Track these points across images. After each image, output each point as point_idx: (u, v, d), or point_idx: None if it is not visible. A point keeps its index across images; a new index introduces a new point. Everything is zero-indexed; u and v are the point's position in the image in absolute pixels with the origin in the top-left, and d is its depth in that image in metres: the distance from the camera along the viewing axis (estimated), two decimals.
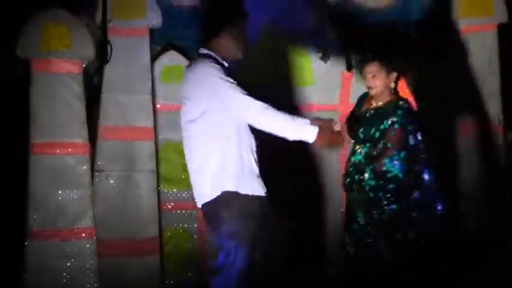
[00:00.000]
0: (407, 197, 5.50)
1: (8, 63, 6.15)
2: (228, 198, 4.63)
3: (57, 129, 6.02)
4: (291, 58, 7.06)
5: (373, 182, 5.53)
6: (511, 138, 7.09)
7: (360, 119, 5.75)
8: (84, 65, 6.18)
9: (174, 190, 7.17)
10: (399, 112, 5.62)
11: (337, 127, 4.85)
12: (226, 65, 4.79)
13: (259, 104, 4.49)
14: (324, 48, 5.92)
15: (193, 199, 7.19)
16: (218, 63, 4.71)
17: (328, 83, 7.24)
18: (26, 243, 5.93)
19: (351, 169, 5.70)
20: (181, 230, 7.19)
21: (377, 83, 5.71)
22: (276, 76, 7.12)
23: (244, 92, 4.54)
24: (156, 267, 6.78)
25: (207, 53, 4.81)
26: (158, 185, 6.96)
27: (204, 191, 4.78)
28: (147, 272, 6.72)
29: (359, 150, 5.69)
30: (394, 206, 5.47)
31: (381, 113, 5.69)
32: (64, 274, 5.97)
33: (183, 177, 7.22)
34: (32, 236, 5.93)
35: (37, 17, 6.01)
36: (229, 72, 4.72)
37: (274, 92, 6.80)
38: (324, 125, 4.58)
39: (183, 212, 7.19)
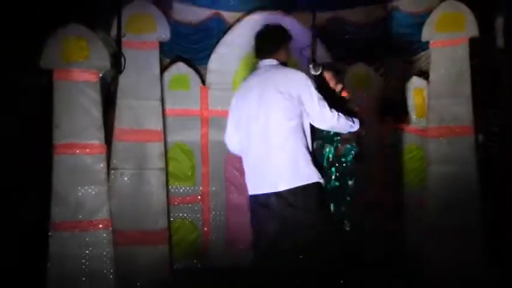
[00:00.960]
0: None
1: (33, 74, 6.15)
2: (313, 188, 4.79)
3: (76, 132, 5.98)
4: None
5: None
6: (481, 140, 7.12)
7: None
8: (100, 75, 6.14)
9: (181, 186, 7.26)
10: None
11: None
12: None
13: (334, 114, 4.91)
14: (315, 60, 5.98)
15: (198, 194, 7.31)
16: None
17: None
18: (49, 234, 5.89)
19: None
20: (187, 222, 7.28)
21: None
22: None
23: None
24: (165, 254, 6.82)
25: (281, 62, 5.06)
26: (167, 182, 7.00)
27: (290, 179, 4.82)
28: (157, 259, 6.75)
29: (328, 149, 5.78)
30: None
31: None
32: (83, 261, 5.93)
33: (189, 174, 7.32)
34: (55, 228, 5.89)
35: (59, 32, 5.98)
36: None
37: None
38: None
39: (189, 205, 7.29)
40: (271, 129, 4.83)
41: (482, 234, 6.54)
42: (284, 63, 5.03)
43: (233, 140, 5.17)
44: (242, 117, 5.02)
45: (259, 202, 4.92)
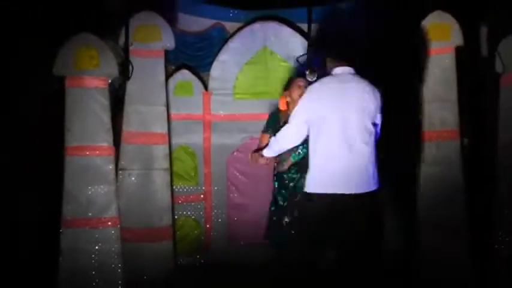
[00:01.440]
0: None
1: (46, 81, 6.17)
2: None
3: (87, 135, 6.00)
4: (285, 74, 7.13)
5: None
6: (466, 143, 7.15)
7: None
8: (109, 81, 6.15)
9: (185, 185, 7.29)
10: None
11: None
12: None
13: None
14: (311, 67, 5.98)
15: (201, 193, 7.32)
16: None
17: None
18: (61, 231, 5.90)
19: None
20: (191, 219, 7.32)
21: None
22: (270, 89, 7.25)
23: None
24: (169, 250, 6.81)
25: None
26: (171, 181, 6.98)
27: (369, 183, 5.01)
28: (162, 254, 6.75)
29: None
30: None
31: None
32: (93, 256, 5.95)
33: (193, 174, 7.33)
34: (66, 225, 5.91)
35: (71, 41, 6.00)
36: None
37: (268, 103, 6.98)
38: None
39: (193, 203, 7.32)
40: (358, 136, 4.99)
41: (468, 230, 6.58)
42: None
43: (301, 132, 5.19)
44: (326, 118, 5.03)
45: (328, 202, 5.01)
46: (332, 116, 5.01)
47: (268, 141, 5.53)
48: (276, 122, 5.77)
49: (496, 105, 6.17)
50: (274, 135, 5.47)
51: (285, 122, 5.40)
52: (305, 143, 5.36)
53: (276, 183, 5.83)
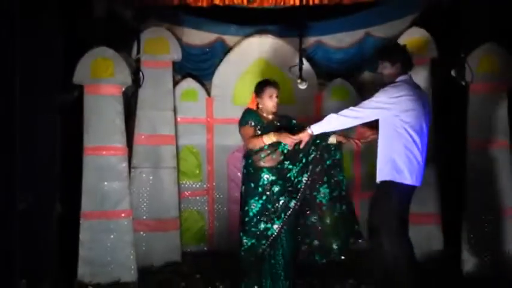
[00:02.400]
0: None
1: (67, 89, 6.20)
2: None
3: (103, 137, 6.04)
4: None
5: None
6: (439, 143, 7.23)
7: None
8: (123, 89, 6.20)
9: (190, 182, 7.29)
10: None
11: None
12: None
13: None
14: (302, 76, 6.02)
15: (204, 188, 7.28)
16: None
17: (304, 101, 7.33)
18: (80, 222, 5.96)
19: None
20: (195, 212, 7.30)
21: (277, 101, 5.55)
22: None
23: None
24: (176, 240, 6.86)
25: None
26: (178, 178, 7.04)
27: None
28: (170, 243, 6.80)
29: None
30: None
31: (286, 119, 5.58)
32: (108, 245, 5.98)
33: (197, 172, 7.30)
34: (84, 217, 5.96)
35: (89, 53, 6.06)
36: None
37: None
38: None
39: (197, 198, 7.30)
40: (425, 136, 5.07)
41: (440, 216, 6.73)
42: None
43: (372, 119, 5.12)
44: (411, 115, 5.02)
45: (409, 193, 5.04)
46: (415, 114, 5.01)
47: (254, 133, 5.36)
48: (257, 116, 5.51)
49: (465, 111, 6.26)
50: (257, 127, 5.40)
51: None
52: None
53: (266, 174, 5.41)
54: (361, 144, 5.37)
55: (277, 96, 5.48)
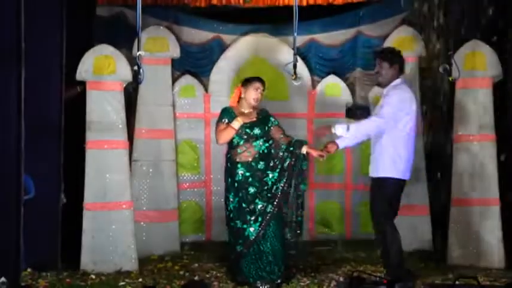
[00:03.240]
0: None
1: (71, 85, 6.19)
2: None
3: (105, 131, 5.99)
4: (272, 79, 7.17)
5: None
6: (430, 140, 7.26)
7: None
8: (124, 85, 6.15)
9: (189, 174, 7.30)
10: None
11: None
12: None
13: None
14: (296, 73, 6.03)
15: (202, 181, 7.29)
16: None
17: (298, 97, 7.38)
18: (83, 212, 5.93)
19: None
20: (193, 203, 7.33)
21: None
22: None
23: None
24: (175, 230, 6.88)
25: None
26: (177, 171, 7.04)
27: None
28: (169, 233, 6.81)
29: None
30: None
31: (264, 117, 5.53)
32: (110, 234, 5.93)
33: (195, 165, 7.32)
34: (88, 208, 5.93)
35: (91, 51, 6.03)
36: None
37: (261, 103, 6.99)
38: None
39: (195, 190, 7.32)
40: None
41: (428, 207, 6.77)
42: None
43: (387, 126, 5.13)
44: (411, 117, 5.15)
45: (404, 186, 5.22)
46: (413, 115, 5.16)
47: (226, 128, 5.34)
48: (231, 114, 5.46)
49: (452, 105, 6.26)
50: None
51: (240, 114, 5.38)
52: (268, 138, 5.40)
53: (241, 170, 5.38)
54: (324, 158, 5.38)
55: (261, 93, 5.46)
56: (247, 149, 5.39)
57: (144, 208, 6.73)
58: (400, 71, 5.26)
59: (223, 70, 7.42)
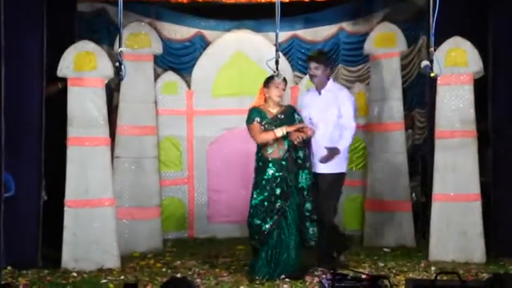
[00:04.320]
0: None
1: (53, 81, 6.14)
2: None
3: (86, 128, 5.94)
4: (256, 75, 7.15)
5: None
6: (408, 134, 7.28)
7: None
8: (106, 82, 6.10)
9: (171, 171, 7.28)
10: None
11: None
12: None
13: None
14: (278, 69, 6.03)
15: (185, 177, 7.30)
16: None
17: None
18: (64, 210, 5.87)
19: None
20: (176, 200, 7.31)
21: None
22: (244, 88, 7.24)
23: None
24: (158, 227, 6.86)
25: None
26: (159, 167, 7.03)
27: None
28: (152, 230, 6.79)
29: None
30: None
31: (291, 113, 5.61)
32: (92, 232, 5.88)
33: (177, 162, 7.31)
34: (69, 205, 5.87)
35: (72, 47, 5.98)
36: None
37: (242, 100, 6.98)
38: None
39: (178, 186, 7.30)
40: None
41: (410, 204, 6.82)
42: None
43: None
44: None
45: None
46: None
47: (260, 129, 5.47)
48: (260, 113, 5.55)
49: (434, 102, 6.28)
50: (262, 123, 5.47)
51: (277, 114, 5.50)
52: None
53: (272, 169, 5.46)
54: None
55: (283, 88, 5.56)
56: (278, 147, 5.47)
57: (126, 205, 6.70)
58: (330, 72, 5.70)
59: (205, 67, 7.39)
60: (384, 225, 6.81)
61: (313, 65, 5.71)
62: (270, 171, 5.45)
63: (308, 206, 5.50)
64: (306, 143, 5.55)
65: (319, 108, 5.74)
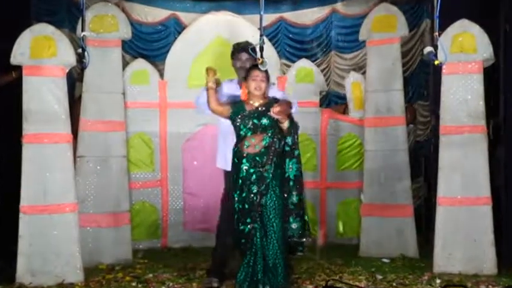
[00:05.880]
0: None
1: (5, 70, 6.12)
2: None
3: (45, 123, 5.87)
4: None
5: None
6: (410, 130, 7.32)
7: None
8: (67, 70, 6.02)
9: (142, 172, 7.28)
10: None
11: None
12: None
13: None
14: (262, 57, 6.05)
15: (157, 179, 7.31)
16: None
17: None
18: (20, 216, 5.80)
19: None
20: (147, 205, 7.31)
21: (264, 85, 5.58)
22: (224, 78, 7.19)
23: None
24: (127, 235, 6.82)
25: None
26: (128, 168, 7.01)
27: None
28: (120, 239, 6.76)
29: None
30: None
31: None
32: (51, 242, 5.83)
33: (149, 161, 7.30)
34: (25, 211, 5.81)
35: (28, 31, 5.91)
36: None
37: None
38: None
39: (149, 189, 7.31)
40: None
41: (412, 208, 6.84)
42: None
43: None
44: None
45: None
46: None
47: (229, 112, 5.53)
48: (238, 106, 5.56)
49: (438, 93, 6.30)
50: (238, 117, 5.47)
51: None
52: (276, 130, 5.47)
53: (245, 165, 5.46)
54: None
55: (262, 80, 5.52)
56: (255, 142, 5.45)
57: (91, 211, 6.68)
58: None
59: (180, 53, 7.40)
60: (383, 232, 6.83)
61: (244, 56, 5.74)
62: (244, 168, 5.45)
63: (294, 199, 5.48)
64: (293, 127, 5.50)
65: None
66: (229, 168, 5.54)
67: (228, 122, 5.50)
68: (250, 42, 5.76)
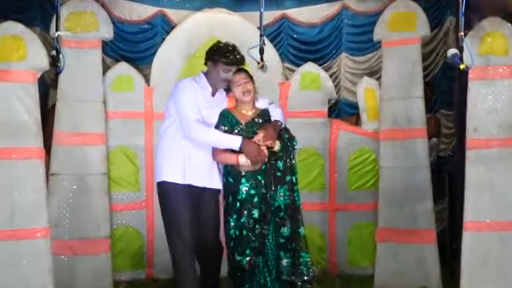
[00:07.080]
0: None
1: None
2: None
3: (13, 136, 5.84)
4: None
5: None
6: (432, 143, 7.29)
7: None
8: (39, 75, 5.97)
9: (125, 191, 7.24)
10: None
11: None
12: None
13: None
14: (263, 60, 6.06)
15: (142, 200, 7.30)
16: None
17: (267, 91, 7.33)
18: None
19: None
20: (131, 229, 7.27)
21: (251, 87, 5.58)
22: None
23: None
24: (107, 264, 6.83)
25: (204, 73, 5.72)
26: (109, 187, 7.01)
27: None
28: (99, 269, 6.76)
29: None
30: None
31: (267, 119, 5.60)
32: (20, 272, 5.78)
33: (133, 179, 7.29)
34: None
35: None
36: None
37: None
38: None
39: (133, 211, 7.26)
40: None
41: (435, 233, 6.79)
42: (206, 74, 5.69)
43: None
44: None
45: None
46: None
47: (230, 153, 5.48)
48: (229, 118, 5.56)
49: (464, 101, 6.27)
50: (234, 131, 5.47)
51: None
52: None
53: (245, 186, 5.47)
54: None
55: (247, 82, 5.52)
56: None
57: (66, 236, 6.68)
58: None
59: (169, 56, 7.40)
60: (401, 261, 6.80)
61: (233, 68, 5.60)
62: (244, 189, 5.42)
63: (284, 230, 5.46)
64: (285, 150, 5.48)
65: (213, 111, 5.62)
66: (189, 182, 5.45)
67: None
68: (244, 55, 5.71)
